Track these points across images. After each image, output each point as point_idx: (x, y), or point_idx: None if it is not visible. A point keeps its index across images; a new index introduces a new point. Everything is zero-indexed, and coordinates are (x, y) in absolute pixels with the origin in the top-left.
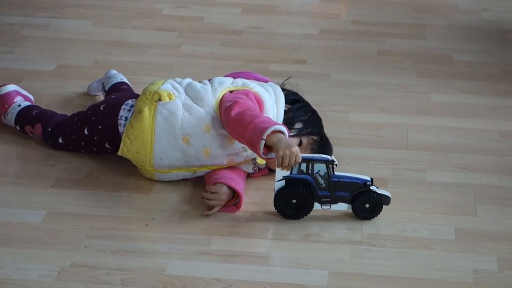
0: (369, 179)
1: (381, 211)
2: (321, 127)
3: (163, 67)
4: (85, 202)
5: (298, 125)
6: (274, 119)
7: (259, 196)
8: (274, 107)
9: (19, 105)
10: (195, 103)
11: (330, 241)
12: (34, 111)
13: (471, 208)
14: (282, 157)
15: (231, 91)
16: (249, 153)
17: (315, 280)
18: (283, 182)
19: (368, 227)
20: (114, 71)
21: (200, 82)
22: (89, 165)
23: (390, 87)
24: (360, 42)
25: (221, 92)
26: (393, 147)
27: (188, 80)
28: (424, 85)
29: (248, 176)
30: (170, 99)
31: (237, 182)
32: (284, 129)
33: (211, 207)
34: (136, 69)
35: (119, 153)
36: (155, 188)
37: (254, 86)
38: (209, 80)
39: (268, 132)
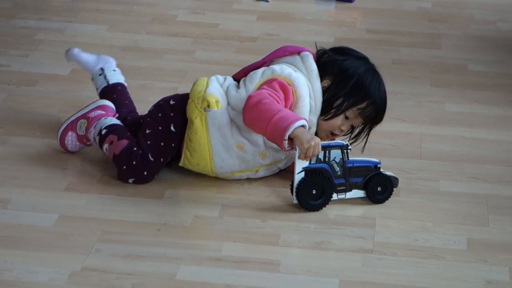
0: (378, 161)
1: (392, 193)
2: (366, 91)
3: (177, 73)
4: (97, 206)
5: (338, 102)
6: (311, 99)
7: (270, 200)
8: (307, 87)
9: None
10: (238, 111)
11: (341, 249)
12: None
13: (483, 219)
14: (306, 150)
15: (264, 83)
16: None
17: None
18: (302, 174)
19: (379, 235)
20: (114, 63)
21: (237, 82)
22: (102, 169)
23: (404, 96)
24: (375, 50)
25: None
26: (406, 156)
27: (228, 81)
28: (438, 94)
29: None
30: (218, 107)
31: None
32: (304, 123)
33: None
34: (150, 74)
35: (180, 164)
36: (167, 193)
37: (283, 70)
38: (244, 79)
39: (289, 132)
